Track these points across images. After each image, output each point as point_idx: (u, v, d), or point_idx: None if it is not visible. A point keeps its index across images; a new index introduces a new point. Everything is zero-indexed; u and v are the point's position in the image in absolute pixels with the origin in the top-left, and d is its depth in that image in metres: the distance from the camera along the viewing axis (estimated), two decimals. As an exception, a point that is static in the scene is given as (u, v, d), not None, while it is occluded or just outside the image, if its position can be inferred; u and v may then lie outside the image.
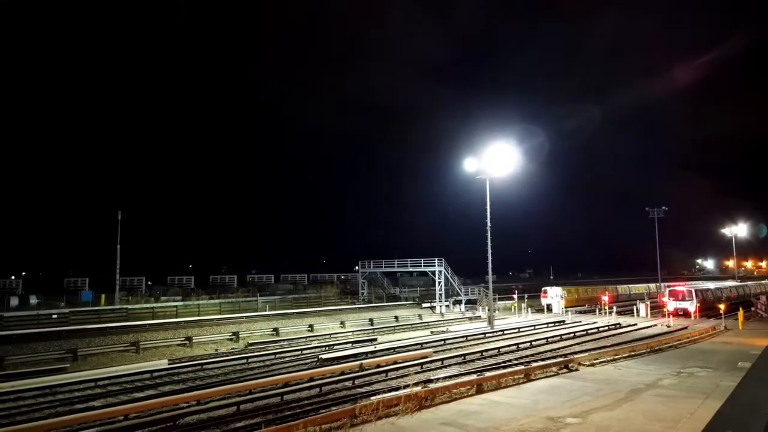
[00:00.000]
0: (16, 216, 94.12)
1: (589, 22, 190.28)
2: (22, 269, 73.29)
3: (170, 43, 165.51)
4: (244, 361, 24.15)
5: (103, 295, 46.87)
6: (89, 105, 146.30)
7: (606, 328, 33.92)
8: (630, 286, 62.09)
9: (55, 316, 33.08)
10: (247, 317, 35.35)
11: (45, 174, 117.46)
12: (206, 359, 24.83)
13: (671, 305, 41.80)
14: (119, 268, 46.12)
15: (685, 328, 33.43)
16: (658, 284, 63.41)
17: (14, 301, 44.36)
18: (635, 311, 43.50)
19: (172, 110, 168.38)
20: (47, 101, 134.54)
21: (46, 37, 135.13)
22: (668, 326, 35.09)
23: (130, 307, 38.91)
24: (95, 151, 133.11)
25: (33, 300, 45.17)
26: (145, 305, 41.10)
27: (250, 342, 30.36)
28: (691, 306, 41.36)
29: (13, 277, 61.61)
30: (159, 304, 42.57)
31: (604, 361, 21.86)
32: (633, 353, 23.79)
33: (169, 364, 23.93)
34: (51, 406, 16.37)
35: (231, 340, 31.10)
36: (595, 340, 29.42)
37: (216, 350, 28.39)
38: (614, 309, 42.88)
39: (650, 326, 35.38)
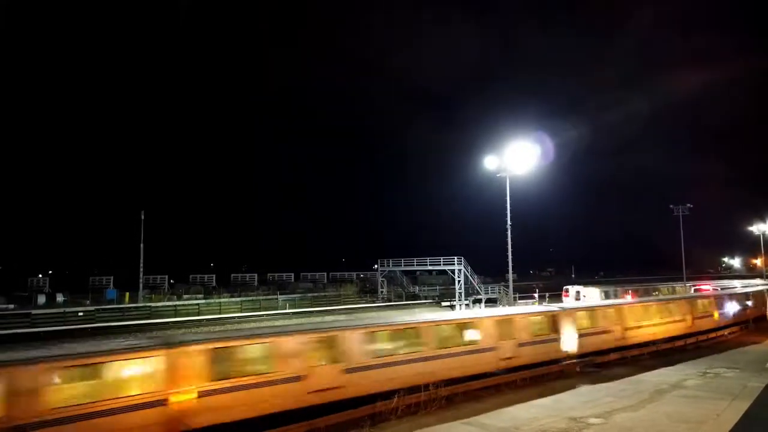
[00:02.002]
0: (43, 216, 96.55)
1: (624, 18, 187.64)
2: (49, 268, 75.04)
3: (173, 45, 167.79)
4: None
5: (127, 293, 47.70)
6: (111, 108, 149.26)
7: (629, 327, 33.32)
8: (654, 285, 60.94)
9: (81, 314, 33.76)
10: (267, 315, 35.65)
11: (70, 175, 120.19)
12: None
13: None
14: (143, 266, 46.90)
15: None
16: (683, 284, 62.14)
17: (41, 299, 45.46)
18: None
19: (186, 113, 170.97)
20: (70, 105, 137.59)
21: (65, 43, 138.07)
22: (693, 326, 34.34)
23: (153, 305, 39.52)
24: (119, 153, 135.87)
25: (60, 298, 46.22)
26: (167, 303, 41.74)
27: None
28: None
29: (40, 276, 63.12)
30: (181, 302, 43.19)
31: (627, 361, 21.55)
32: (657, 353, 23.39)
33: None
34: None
35: (252, 337, 31.32)
36: (617, 339, 28.95)
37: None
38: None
39: (675, 326, 34.66)
